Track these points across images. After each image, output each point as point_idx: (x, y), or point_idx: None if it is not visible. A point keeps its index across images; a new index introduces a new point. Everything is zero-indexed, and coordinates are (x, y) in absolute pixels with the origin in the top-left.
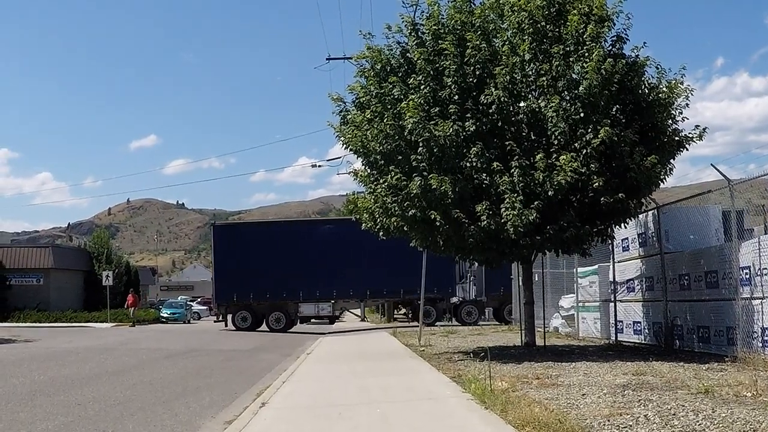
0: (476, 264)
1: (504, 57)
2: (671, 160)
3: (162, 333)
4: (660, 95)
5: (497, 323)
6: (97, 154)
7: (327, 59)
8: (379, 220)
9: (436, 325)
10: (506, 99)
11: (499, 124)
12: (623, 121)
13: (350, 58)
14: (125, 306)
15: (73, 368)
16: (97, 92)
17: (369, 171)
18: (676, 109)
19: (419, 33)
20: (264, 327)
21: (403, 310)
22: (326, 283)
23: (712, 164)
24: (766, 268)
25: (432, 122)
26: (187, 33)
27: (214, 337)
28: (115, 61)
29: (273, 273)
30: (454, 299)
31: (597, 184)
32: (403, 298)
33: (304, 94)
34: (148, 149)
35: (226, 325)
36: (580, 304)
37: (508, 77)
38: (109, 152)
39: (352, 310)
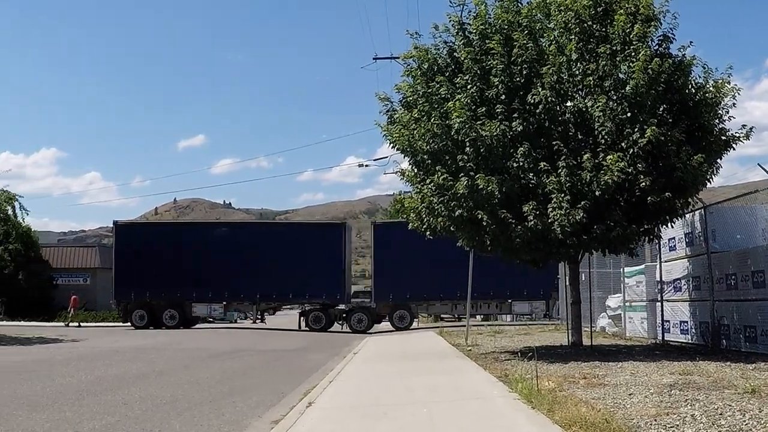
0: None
1: (551, 56)
2: (718, 160)
3: (208, 333)
4: (707, 95)
5: (544, 323)
6: (145, 154)
7: (374, 59)
8: (425, 220)
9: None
10: (553, 99)
11: (546, 124)
12: (670, 120)
13: (397, 58)
14: (68, 308)
15: (120, 368)
16: (145, 92)
17: (416, 171)
18: (723, 108)
19: (466, 32)
20: (190, 327)
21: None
22: (218, 285)
23: (759, 164)
24: None
25: (479, 122)
26: (235, 33)
27: (261, 337)
28: (164, 61)
29: (169, 273)
30: (342, 306)
31: (644, 183)
32: (291, 301)
33: (351, 94)
34: (196, 149)
35: (125, 322)
36: (627, 304)
37: (554, 77)
38: (157, 152)
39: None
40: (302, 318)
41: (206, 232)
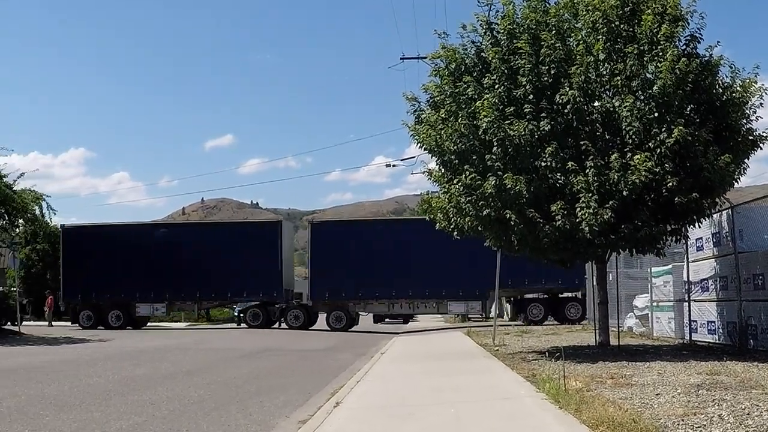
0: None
1: (578, 56)
2: (745, 160)
3: (236, 333)
4: (734, 95)
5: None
6: (173, 154)
7: (401, 59)
8: (453, 219)
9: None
10: (581, 99)
11: (574, 123)
12: (697, 120)
13: (424, 58)
14: (44, 308)
15: (147, 368)
16: (174, 92)
17: (443, 171)
18: (750, 108)
19: (494, 32)
20: (139, 328)
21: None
22: (160, 285)
23: None
24: None
25: (507, 122)
26: (264, 33)
27: (288, 337)
28: (193, 61)
29: (114, 273)
30: (280, 303)
31: (671, 183)
32: (230, 300)
33: (379, 94)
34: (224, 149)
35: (73, 323)
36: (655, 304)
37: (582, 77)
38: (185, 152)
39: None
40: (241, 315)
41: (148, 232)
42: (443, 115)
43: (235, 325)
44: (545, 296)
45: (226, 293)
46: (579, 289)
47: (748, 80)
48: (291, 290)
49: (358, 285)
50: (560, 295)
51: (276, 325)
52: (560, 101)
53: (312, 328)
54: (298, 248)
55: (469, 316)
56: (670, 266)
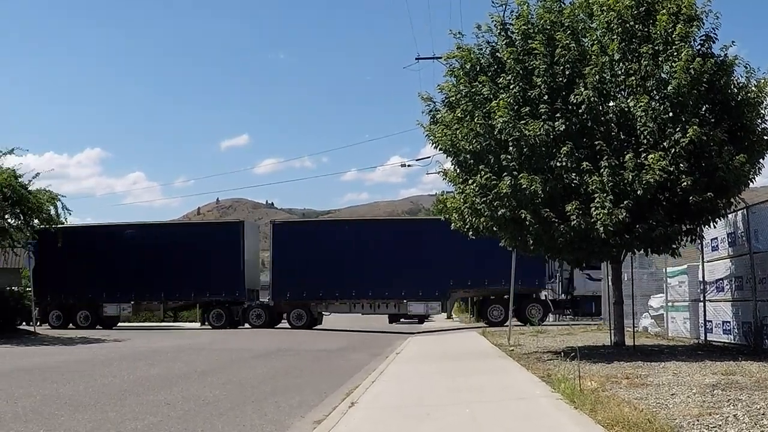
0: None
1: (593, 56)
2: (760, 160)
3: (249, 333)
4: (749, 95)
5: (586, 323)
6: (188, 154)
7: (416, 59)
8: (468, 220)
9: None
10: (596, 99)
11: (589, 123)
12: (712, 120)
13: (439, 58)
14: None
15: (162, 368)
16: (190, 92)
17: (458, 171)
18: (766, 108)
19: (509, 32)
20: (110, 328)
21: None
22: (126, 285)
23: None
24: None
25: (522, 122)
26: (278, 33)
27: (302, 337)
28: (208, 61)
29: (81, 274)
30: (244, 303)
31: (686, 183)
32: (194, 300)
33: (394, 94)
34: (239, 148)
35: (42, 323)
36: (670, 304)
37: (597, 77)
38: (201, 152)
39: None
40: (205, 315)
41: (116, 233)
42: (459, 115)
43: (198, 325)
44: (507, 297)
45: (189, 293)
46: (540, 289)
47: (763, 80)
48: (256, 290)
49: (318, 285)
50: (527, 296)
51: (243, 326)
52: (575, 101)
53: (277, 326)
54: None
55: (429, 316)
56: (685, 266)
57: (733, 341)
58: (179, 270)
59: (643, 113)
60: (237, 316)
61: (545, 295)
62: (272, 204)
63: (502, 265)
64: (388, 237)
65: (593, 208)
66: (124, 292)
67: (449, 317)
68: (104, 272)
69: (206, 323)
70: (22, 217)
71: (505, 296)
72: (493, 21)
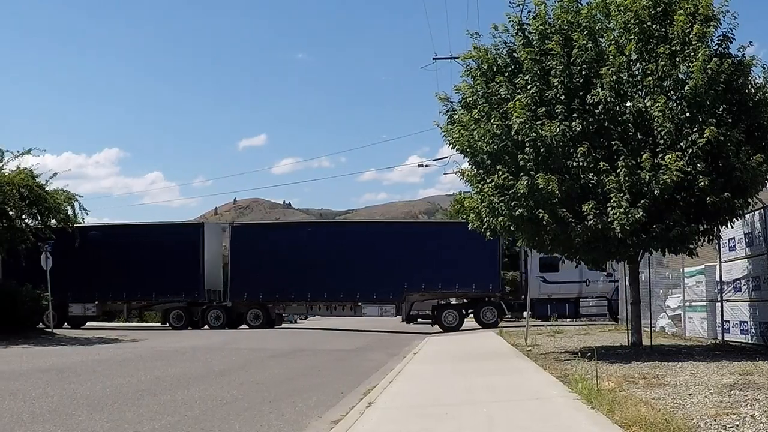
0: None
1: (610, 57)
2: None
3: (267, 333)
4: (766, 95)
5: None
6: (206, 154)
7: (433, 59)
8: (485, 219)
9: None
10: (612, 99)
11: (606, 124)
12: (729, 120)
13: (457, 58)
14: None
15: (179, 368)
16: (208, 92)
17: (476, 171)
18: None
19: (526, 33)
20: (79, 327)
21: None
22: (90, 285)
23: None
24: None
25: (539, 122)
26: (297, 33)
27: (319, 337)
28: (227, 60)
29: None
30: (181, 303)
31: (703, 183)
32: (155, 300)
33: (412, 94)
34: (257, 148)
35: None
36: (687, 304)
37: (614, 77)
38: (219, 152)
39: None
40: (166, 316)
41: (81, 233)
42: (476, 116)
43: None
44: (464, 301)
45: (151, 294)
46: (494, 293)
47: None
48: (218, 291)
49: (275, 287)
50: (481, 299)
51: (203, 327)
52: (592, 101)
53: (239, 327)
54: None
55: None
56: (702, 266)
57: (750, 341)
58: (141, 271)
59: (660, 113)
60: (196, 316)
61: (499, 298)
62: (289, 204)
63: (456, 269)
64: (343, 240)
65: (610, 208)
66: (88, 292)
67: (405, 321)
68: (70, 272)
69: (168, 324)
70: (39, 218)
71: (464, 300)
72: (510, 21)
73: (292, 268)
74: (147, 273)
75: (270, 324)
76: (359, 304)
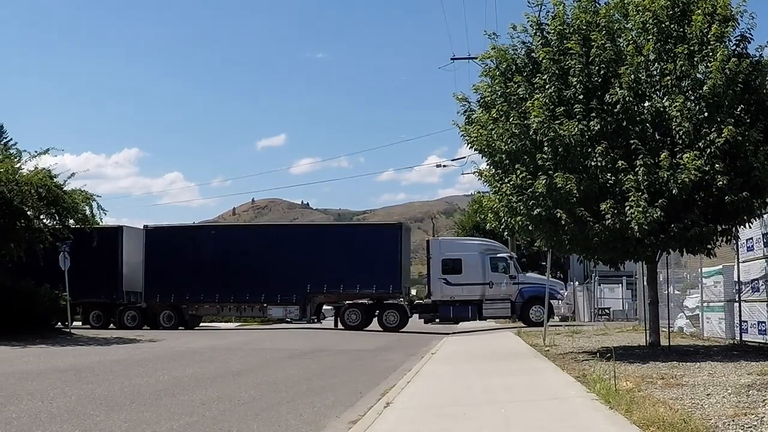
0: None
1: (628, 57)
2: None
3: (284, 333)
4: None
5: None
6: (226, 153)
7: (451, 59)
8: (504, 219)
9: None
10: (631, 98)
11: (624, 123)
12: (747, 120)
13: (475, 58)
14: None
15: (197, 368)
16: (227, 92)
17: (494, 171)
18: None
19: (544, 33)
20: None
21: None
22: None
23: None
24: None
25: (557, 122)
26: (317, 32)
27: (338, 337)
28: (246, 60)
29: None
30: (100, 303)
31: (721, 183)
32: (77, 300)
33: (430, 94)
34: (276, 148)
35: None
36: (705, 304)
37: (632, 77)
38: (237, 152)
39: None
40: (86, 316)
41: None
42: (494, 116)
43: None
44: (371, 302)
45: (73, 294)
46: (396, 294)
47: None
48: (139, 292)
49: (185, 288)
50: (385, 302)
51: (119, 327)
52: (610, 101)
53: (146, 327)
54: None
55: (289, 318)
56: (720, 266)
57: None
58: (71, 272)
59: (679, 113)
60: (113, 317)
61: (401, 301)
62: (307, 204)
63: (358, 271)
64: (248, 242)
65: (628, 208)
66: None
67: (313, 321)
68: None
69: (88, 324)
70: (57, 218)
71: (361, 301)
72: (528, 21)
73: (200, 270)
74: (69, 274)
75: (184, 324)
76: (265, 305)
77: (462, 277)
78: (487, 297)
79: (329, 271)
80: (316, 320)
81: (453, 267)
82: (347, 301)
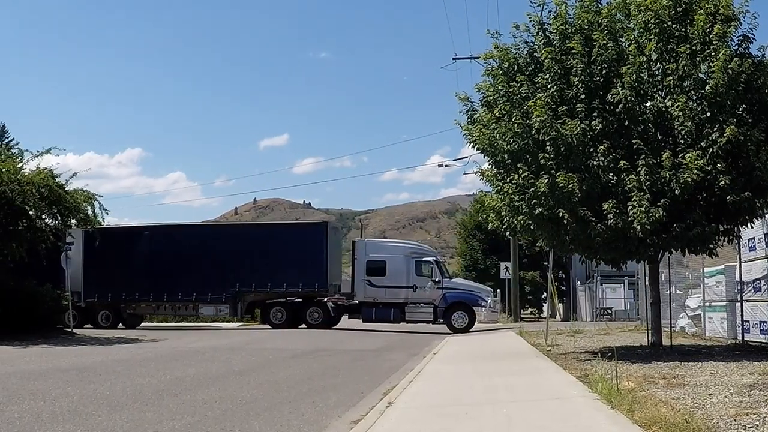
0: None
1: (631, 56)
2: None
3: (287, 333)
4: None
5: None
6: (229, 153)
7: (453, 59)
8: (506, 219)
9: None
10: (633, 98)
11: (626, 123)
12: (749, 120)
13: (477, 58)
14: None
15: (199, 368)
16: (230, 91)
17: (496, 170)
18: None
19: (546, 32)
20: None
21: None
22: None
23: None
24: None
25: (559, 121)
26: (320, 32)
27: (341, 337)
28: (248, 60)
29: None
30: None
31: (723, 182)
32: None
33: (432, 94)
34: (279, 148)
35: None
36: (707, 304)
37: (634, 76)
38: (240, 152)
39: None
40: None
41: None
42: (496, 115)
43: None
44: (295, 300)
45: None
46: (321, 293)
47: None
48: (79, 292)
49: (120, 288)
50: (314, 300)
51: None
52: (612, 101)
53: (87, 326)
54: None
55: (219, 317)
56: (722, 266)
57: None
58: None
59: (681, 113)
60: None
61: (326, 300)
62: (309, 204)
63: (285, 269)
64: (181, 242)
65: (630, 207)
66: None
67: (243, 320)
68: None
69: None
70: (59, 218)
71: (287, 299)
72: (531, 21)
73: (136, 270)
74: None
75: (122, 323)
76: (197, 304)
77: (386, 279)
78: (411, 300)
79: (257, 270)
80: (251, 318)
81: (377, 269)
82: (278, 299)
